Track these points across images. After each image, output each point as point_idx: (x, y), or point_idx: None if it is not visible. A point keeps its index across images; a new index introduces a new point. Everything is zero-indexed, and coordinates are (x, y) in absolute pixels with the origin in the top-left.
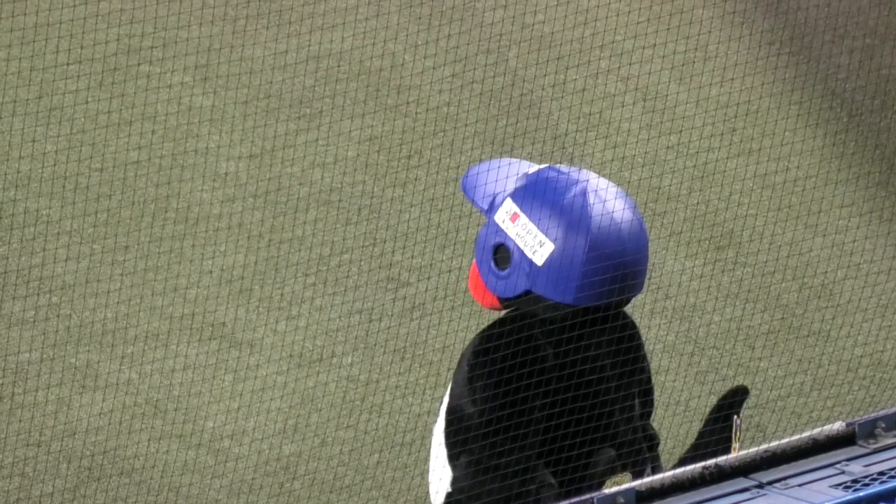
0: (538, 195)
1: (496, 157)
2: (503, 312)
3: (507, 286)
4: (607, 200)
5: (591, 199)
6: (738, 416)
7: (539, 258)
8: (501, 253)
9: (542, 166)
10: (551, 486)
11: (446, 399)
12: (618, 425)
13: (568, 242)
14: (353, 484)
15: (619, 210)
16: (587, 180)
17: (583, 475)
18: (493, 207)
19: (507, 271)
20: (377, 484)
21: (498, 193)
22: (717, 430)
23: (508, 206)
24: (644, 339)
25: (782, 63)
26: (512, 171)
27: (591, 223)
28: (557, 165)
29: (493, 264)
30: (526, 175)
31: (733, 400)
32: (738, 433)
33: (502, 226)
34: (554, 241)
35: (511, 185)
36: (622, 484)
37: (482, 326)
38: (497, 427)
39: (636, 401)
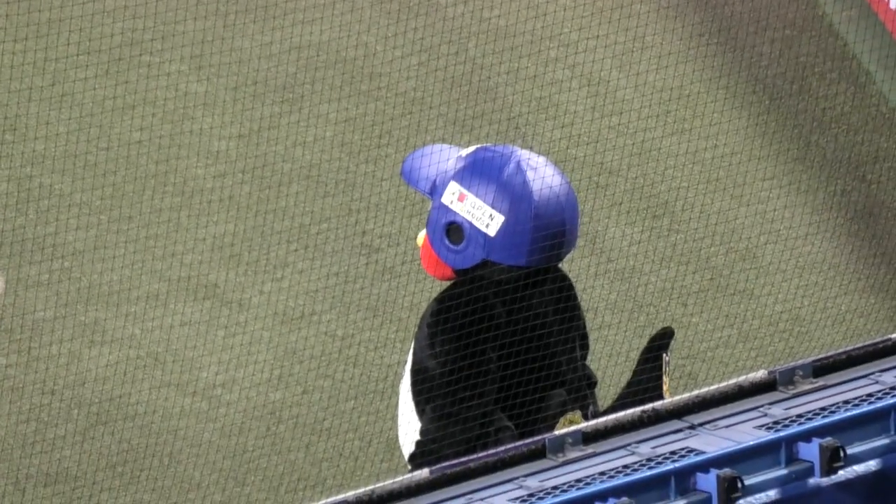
0: (482, 174)
1: (429, 144)
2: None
3: (463, 258)
4: (540, 171)
5: (528, 171)
6: (667, 354)
7: (492, 230)
8: (454, 230)
9: (473, 148)
10: (508, 428)
11: (410, 359)
12: (565, 371)
13: (515, 213)
14: (331, 427)
15: (553, 177)
16: (519, 155)
17: (537, 416)
18: (435, 190)
19: (461, 245)
20: (353, 427)
21: (436, 176)
22: (649, 368)
23: (454, 188)
24: (579, 290)
25: (711, 52)
26: (444, 156)
27: (533, 193)
28: (486, 145)
29: (446, 241)
30: (461, 158)
31: (661, 342)
32: (667, 368)
33: (451, 206)
34: (503, 213)
35: (447, 168)
36: (574, 420)
37: (443, 288)
38: (457, 377)
39: (577, 344)
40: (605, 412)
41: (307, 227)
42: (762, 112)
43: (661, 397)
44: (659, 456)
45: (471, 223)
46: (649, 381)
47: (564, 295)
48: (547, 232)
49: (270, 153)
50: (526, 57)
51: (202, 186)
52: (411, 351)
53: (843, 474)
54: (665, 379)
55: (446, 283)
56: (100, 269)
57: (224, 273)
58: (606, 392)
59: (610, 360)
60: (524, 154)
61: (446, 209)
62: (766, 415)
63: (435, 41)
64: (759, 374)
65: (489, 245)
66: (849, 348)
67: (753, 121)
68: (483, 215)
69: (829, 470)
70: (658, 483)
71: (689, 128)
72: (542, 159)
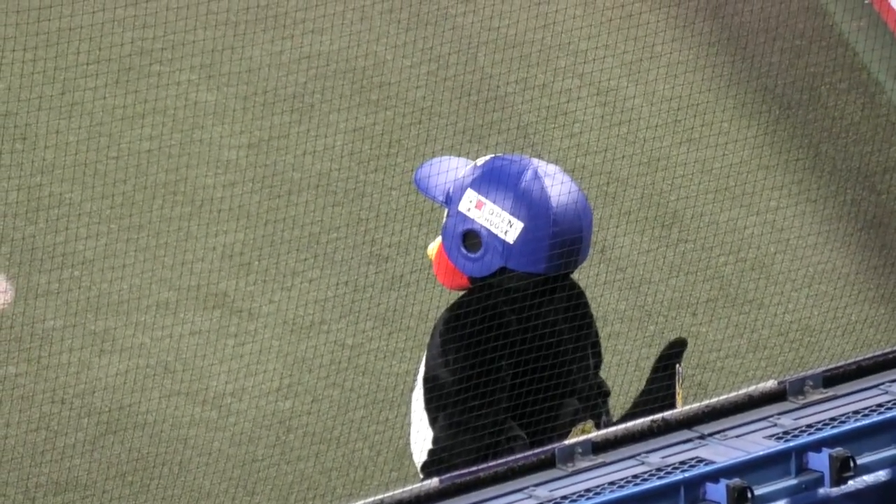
0: (500, 182)
1: (438, 156)
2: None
3: (481, 266)
4: (557, 179)
5: (545, 178)
6: (679, 365)
7: (511, 237)
8: (471, 238)
9: (487, 157)
10: (520, 437)
11: (422, 368)
12: (577, 379)
13: (535, 219)
14: (341, 436)
15: (569, 186)
16: (535, 164)
17: (548, 426)
18: (450, 199)
19: (479, 253)
20: (363, 436)
21: (450, 185)
22: (661, 378)
23: (471, 196)
24: (589, 300)
25: (721, 62)
26: (452, 164)
27: (552, 201)
28: (500, 155)
29: (463, 249)
30: (476, 167)
31: (673, 351)
32: (680, 379)
33: (469, 214)
34: (522, 219)
35: (461, 178)
36: (587, 430)
37: (452, 298)
38: (468, 385)
39: (589, 353)
40: (618, 423)
41: (317, 237)
42: (772, 122)
43: (673, 408)
44: (669, 466)
45: (489, 230)
46: (660, 390)
47: (575, 303)
48: (564, 238)
49: (280, 162)
50: (535, 66)
51: (212, 195)
52: (423, 360)
53: (852, 484)
54: (678, 390)
55: (456, 294)
56: (109, 278)
57: (234, 282)
58: (616, 401)
59: (619, 369)
60: (539, 163)
61: (463, 217)
62: (775, 425)
63: (444, 51)
64: (769, 384)
65: (507, 252)
66: (859, 358)
67: (763, 130)
68: (502, 222)
69: (838, 480)
70: (668, 493)
71: (698, 137)
72: (554, 168)
